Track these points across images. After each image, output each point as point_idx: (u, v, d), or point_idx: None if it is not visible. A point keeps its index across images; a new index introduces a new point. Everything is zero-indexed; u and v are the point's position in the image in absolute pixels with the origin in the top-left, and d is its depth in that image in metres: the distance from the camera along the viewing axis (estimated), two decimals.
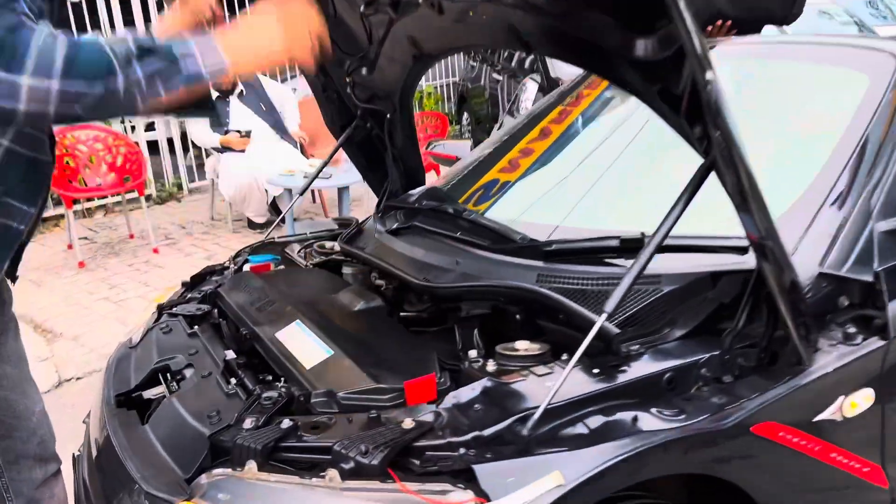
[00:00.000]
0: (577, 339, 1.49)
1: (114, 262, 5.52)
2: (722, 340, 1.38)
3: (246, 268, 2.30)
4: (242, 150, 5.85)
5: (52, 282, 5.15)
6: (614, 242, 1.59)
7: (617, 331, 1.36)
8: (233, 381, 1.59)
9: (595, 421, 1.23)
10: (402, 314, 1.88)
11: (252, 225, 6.15)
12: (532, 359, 1.43)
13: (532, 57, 6.97)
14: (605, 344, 1.42)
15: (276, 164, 5.62)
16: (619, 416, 1.25)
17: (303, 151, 6.26)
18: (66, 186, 5.45)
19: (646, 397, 1.30)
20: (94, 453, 1.69)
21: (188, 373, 1.72)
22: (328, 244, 2.43)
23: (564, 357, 1.42)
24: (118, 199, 6.39)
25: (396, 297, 1.96)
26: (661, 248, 1.55)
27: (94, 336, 4.24)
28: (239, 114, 5.99)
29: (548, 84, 5.29)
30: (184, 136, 7.13)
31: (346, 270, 2.23)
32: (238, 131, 5.83)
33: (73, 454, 1.94)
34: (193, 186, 7.44)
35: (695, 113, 1.25)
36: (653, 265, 1.54)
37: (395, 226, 2.13)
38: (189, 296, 2.19)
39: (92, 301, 4.81)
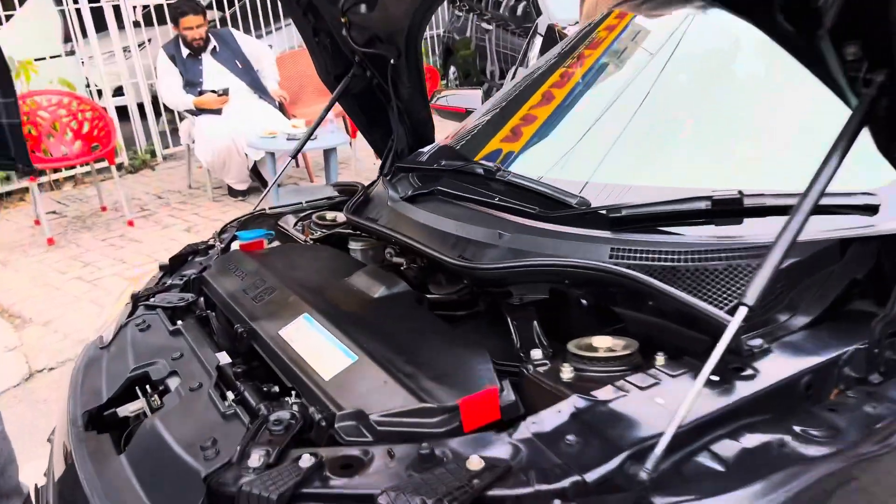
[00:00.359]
0: (670, 332, 1.18)
1: (86, 238, 5.16)
2: (871, 329, 1.06)
3: (234, 246, 1.95)
4: (220, 112, 5.44)
5: (19, 261, 4.77)
6: (704, 205, 1.26)
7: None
8: (230, 394, 1.26)
9: (726, 449, 0.92)
10: (427, 296, 1.55)
11: (233, 192, 5.78)
12: (619, 361, 1.10)
13: (524, 3, 6.55)
14: (713, 338, 1.11)
15: (255, 126, 5.25)
16: (757, 440, 0.93)
17: (283, 111, 5.86)
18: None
19: (781, 411, 0.99)
20: (59, 489, 1.36)
21: (172, 383, 1.39)
22: (329, 215, 2.08)
23: (661, 360, 1.09)
24: (87, 169, 5.99)
25: (420, 279, 1.63)
26: (765, 210, 1.24)
27: (67, 320, 3.90)
28: (213, 72, 5.57)
29: (546, 35, 4.92)
30: (155, 100, 6.69)
31: (354, 246, 1.89)
32: (214, 91, 5.42)
33: (36, 485, 1.60)
34: (168, 153, 7.04)
35: (850, 25, 0.92)
36: (757, 231, 1.23)
37: (412, 191, 1.78)
38: (169, 282, 1.83)
39: (63, 281, 4.45)
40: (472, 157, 1.97)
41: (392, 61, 2.07)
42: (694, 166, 1.55)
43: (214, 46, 5.63)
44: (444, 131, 2.32)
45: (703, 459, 0.90)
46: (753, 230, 1.24)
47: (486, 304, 1.56)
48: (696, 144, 1.64)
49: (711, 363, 0.89)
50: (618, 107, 1.76)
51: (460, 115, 2.77)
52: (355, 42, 2.06)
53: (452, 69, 8.62)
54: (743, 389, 0.98)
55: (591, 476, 0.85)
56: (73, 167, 6.10)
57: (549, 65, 2.21)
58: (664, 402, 0.96)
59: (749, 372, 1.01)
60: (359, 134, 5.87)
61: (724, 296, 1.14)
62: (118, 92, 6.81)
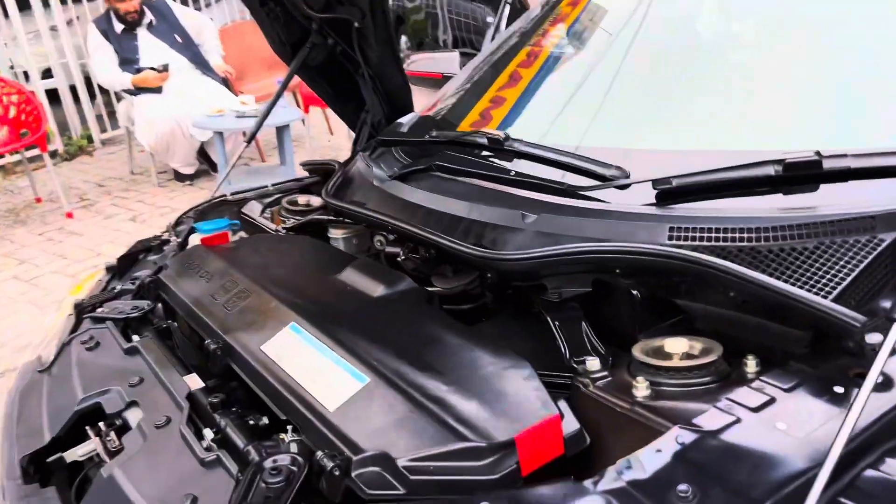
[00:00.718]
0: (749, 327, 0.97)
1: (20, 233, 4.76)
2: None
3: (194, 240, 1.68)
4: (160, 90, 5.06)
5: None
6: (773, 170, 1.05)
7: (864, 319, 0.83)
8: (208, 432, 1.01)
9: (876, 486, 0.71)
10: (435, 291, 1.31)
11: (180, 176, 5.42)
12: (702, 371, 0.88)
13: None
14: (815, 334, 0.90)
15: (200, 105, 4.89)
16: None
17: (229, 87, 5.49)
18: None
19: None
20: None
21: (132, 418, 1.13)
22: (301, 199, 1.81)
23: (753, 366, 0.88)
24: (17, 157, 5.52)
25: (421, 271, 1.39)
26: (848, 174, 1.04)
27: (3, 326, 3.56)
28: (150, 48, 5.17)
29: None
30: (88, 81, 6.22)
31: (335, 234, 1.63)
32: (153, 68, 5.02)
33: None
34: (106, 137, 6.58)
35: None
36: (836, 200, 1.02)
37: (401, 168, 1.53)
38: (118, 287, 1.56)
39: None
40: (463, 126, 1.72)
41: (356, 24, 1.81)
42: (739, 124, 1.34)
43: (150, 20, 5.22)
44: (418, 101, 2.07)
45: (854, 503, 0.69)
46: (828, 198, 1.04)
47: (493, 295, 1.34)
48: (736, 100, 1.43)
49: (870, 383, 0.68)
50: (637, 62, 1.54)
51: (436, 81, 2.51)
52: (311, 7, 1.79)
53: (404, 38, 8.29)
54: (878, 403, 0.77)
55: None
56: (0, 156, 5.64)
57: (548, 21, 1.97)
58: (786, 428, 0.74)
59: (876, 377, 0.80)
60: (312, 109, 5.55)
61: (820, 282, 0.93)
62: (47, 74, 6.32)
